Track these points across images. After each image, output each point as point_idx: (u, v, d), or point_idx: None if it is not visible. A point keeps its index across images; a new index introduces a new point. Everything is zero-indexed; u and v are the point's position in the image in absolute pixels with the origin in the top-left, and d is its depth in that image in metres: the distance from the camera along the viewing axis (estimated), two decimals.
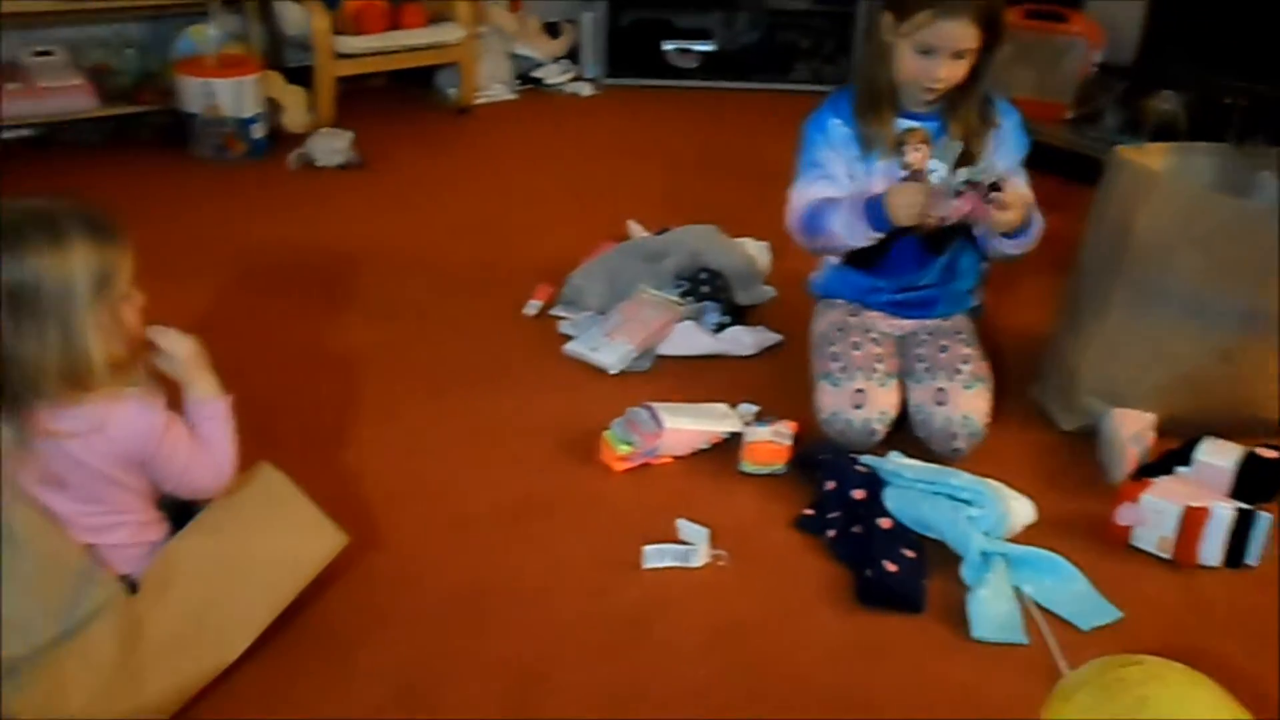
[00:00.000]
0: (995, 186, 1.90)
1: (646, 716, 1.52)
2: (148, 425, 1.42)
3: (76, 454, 1.37)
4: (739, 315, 2.50)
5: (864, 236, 2.01)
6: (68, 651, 1.32)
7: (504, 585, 1.73)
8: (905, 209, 1.94)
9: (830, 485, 1.93)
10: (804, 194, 2.09)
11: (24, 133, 3.31)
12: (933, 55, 1.96)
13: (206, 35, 3.32)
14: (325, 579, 1.61)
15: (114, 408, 1.38)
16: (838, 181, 2.08)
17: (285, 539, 1.56)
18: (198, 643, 1.44)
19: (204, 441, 1.49)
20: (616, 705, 1.53)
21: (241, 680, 1.49)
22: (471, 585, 1.73)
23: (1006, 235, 2.00)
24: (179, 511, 1.54)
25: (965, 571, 1.76)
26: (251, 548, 1.52)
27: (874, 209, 1.97)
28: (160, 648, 1.39)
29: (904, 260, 2.15)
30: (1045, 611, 1.72)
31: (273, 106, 3.44)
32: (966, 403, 2.03)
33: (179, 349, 1.49)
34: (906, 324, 2.22)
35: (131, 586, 1.42)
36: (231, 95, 3.25)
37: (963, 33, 1.93)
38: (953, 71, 1.98)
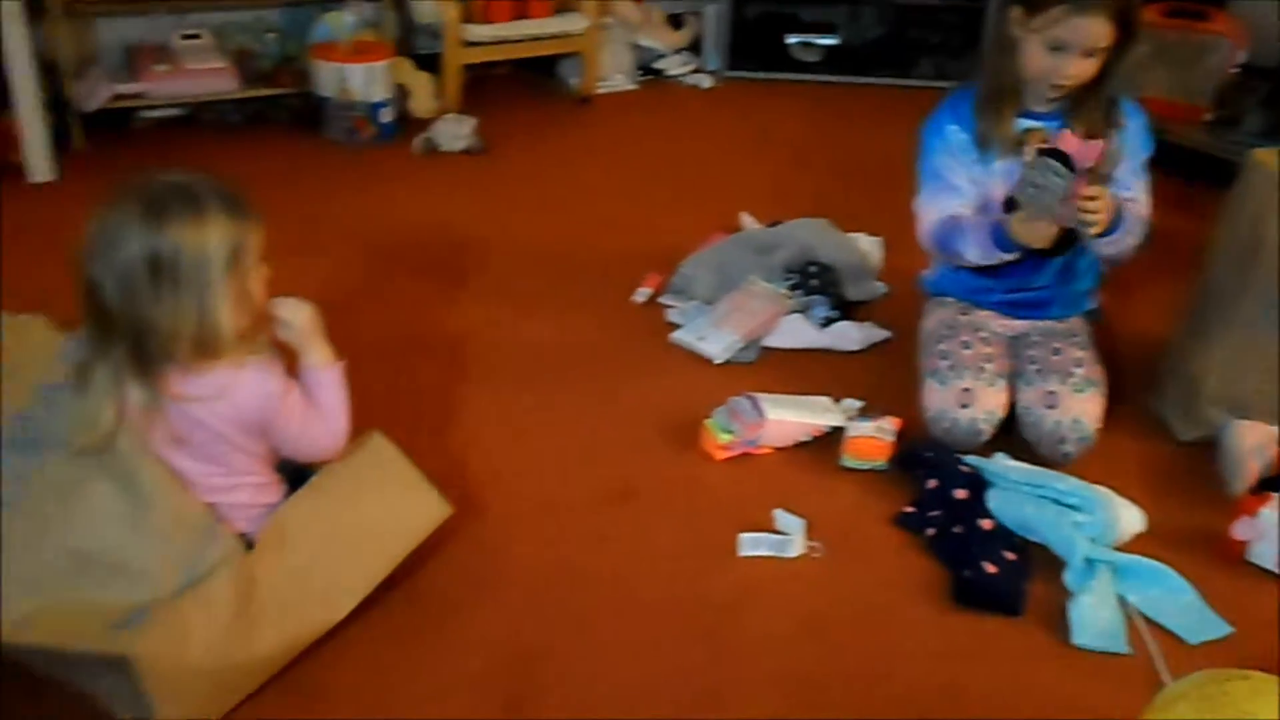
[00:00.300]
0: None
1: (736, 701, 1.53)
2: (267, 392, 1.49)
3: (200, 417, 1.45)
4: (848, 310, 2.49)
5: (999, 259, 2.02)
6: (190, 601, 1.39)
7: (602, 564, 1.77)
8: (1034, 240, 1.94)
9: (932, 484, 1.91)
10: (931, 209, 2.08)
11: (171, 112, 3.48)
12: (1063, 52, 1.91)
13: (342, 21, 3.43)
14: (430, 548, 1.67)
15: (237, 375, 1.45)
16: (961, 191, 2.06)
17: (393, 506, 1.62)
18: (307, 601, 1.51)
19: (319, 407, 1.56)
20: (707, 688, 1.55)
21: (346, 639, 1.56)
22: (571, 562, 1.77)
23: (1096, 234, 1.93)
24: (295, 476, 1.62)
25: (1069, 577, 1.72)
26: (361, 513, 1.58)
27: (1001, 237, 1.97)
28: (272, 603, 1.46)
29: (1019, 261, 2.10)
30: (1150, 623, 1.68)
31: (401, 92, 3.55)
32: (1077, 406, 1.98)
33: (297, 317, 1.55)
34: (1019, 324, 2.17)
35: (249, 544, 1.50)
36: (363, 80, 3.36)
37: (1097, 29, 1.88)
38: (1082, 69, 1.93)
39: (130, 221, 1.35)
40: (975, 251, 2.02)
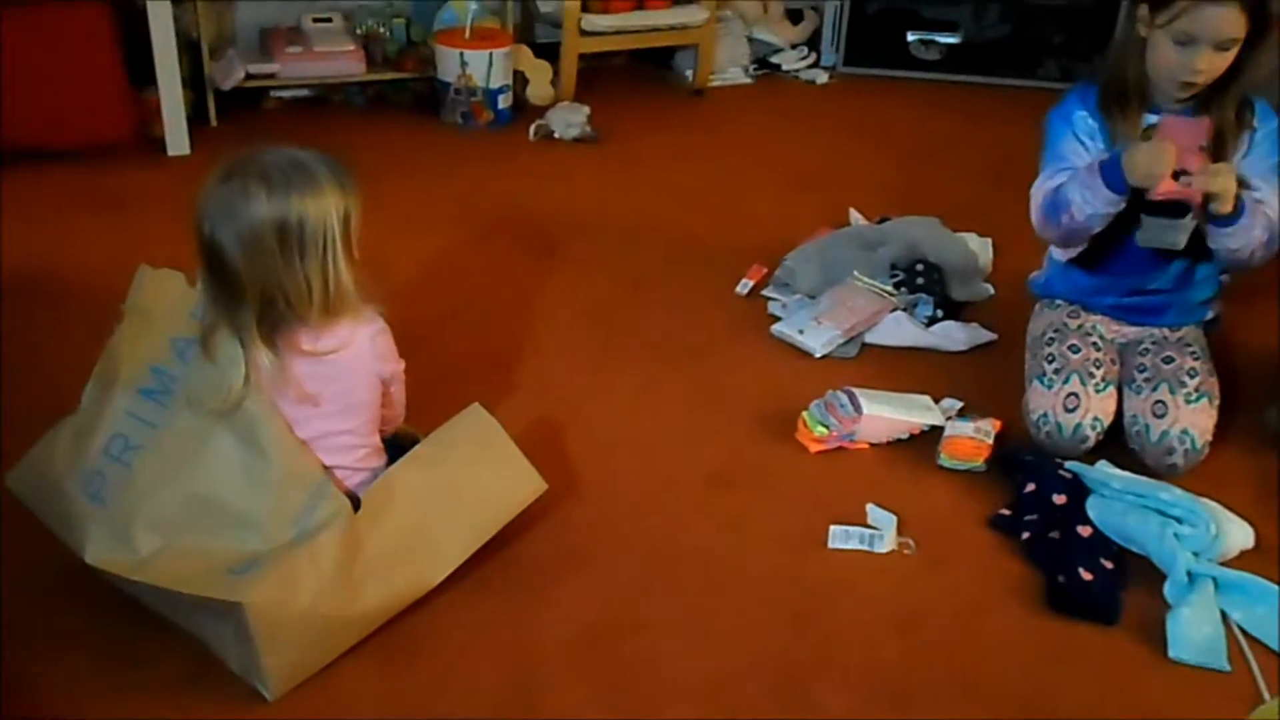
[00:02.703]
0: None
1: (821, 688, 1.54)
2: (388, 340, 1.61)
3: (336, 368, 1.55)
4: (953, 310, 2.46)
5: (1103, 202, 1.90)
6: (300, 555, 1.46)
7: (694, 546, 1.80)
8: (1144, 166, 1.84)
9: (1030, 487, 1.89)
10: (1046, 185, 2.02)
11: (300, 93, 3.61)
12: (1193, 46, 1.85)
13: (466, 9, 3.52)
14: (526, 520, 1.71)
15: (362, 328, 1.57)
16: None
17: (491, 478, 1.67)
18: (407, 563, 1.57)
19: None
20: (792, 673, 1.57)
21: (441, 603, 1.62)
22: (663, 543, 1.80)
23: (1218, 221, 1.87)
24: (392, 449, 1.69)
25: (1169, 590, 1.69)
26: (460, 483, 1.63)
27: (1111, 166, 1.88)
28: (375, 563, 1.53)
29: (1135, 262, 2.05)
30: (1253, 641, 1.63)
31: (520, 79, 3.62)
32: (1187, 417, 1.93)
33: None
34: (1131, 330, 2.12)
35: (355, 504, 1.56)
36: (483, 66, 3.43)
37: (1227, 20, 1.81)
38: (1213, 64, 1.86)
39: (254, 192, 1.44)
40: (1079, 192, 1.92)
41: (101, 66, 2.97)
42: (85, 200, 2.84)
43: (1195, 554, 1.72)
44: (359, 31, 3.60)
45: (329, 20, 3.57)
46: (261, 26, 3.59)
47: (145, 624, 1.55)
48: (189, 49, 3.26)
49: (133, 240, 2.58)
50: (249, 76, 3.39)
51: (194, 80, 3.29)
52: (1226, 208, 1.84)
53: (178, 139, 3.16)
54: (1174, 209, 1.87)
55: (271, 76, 3.44)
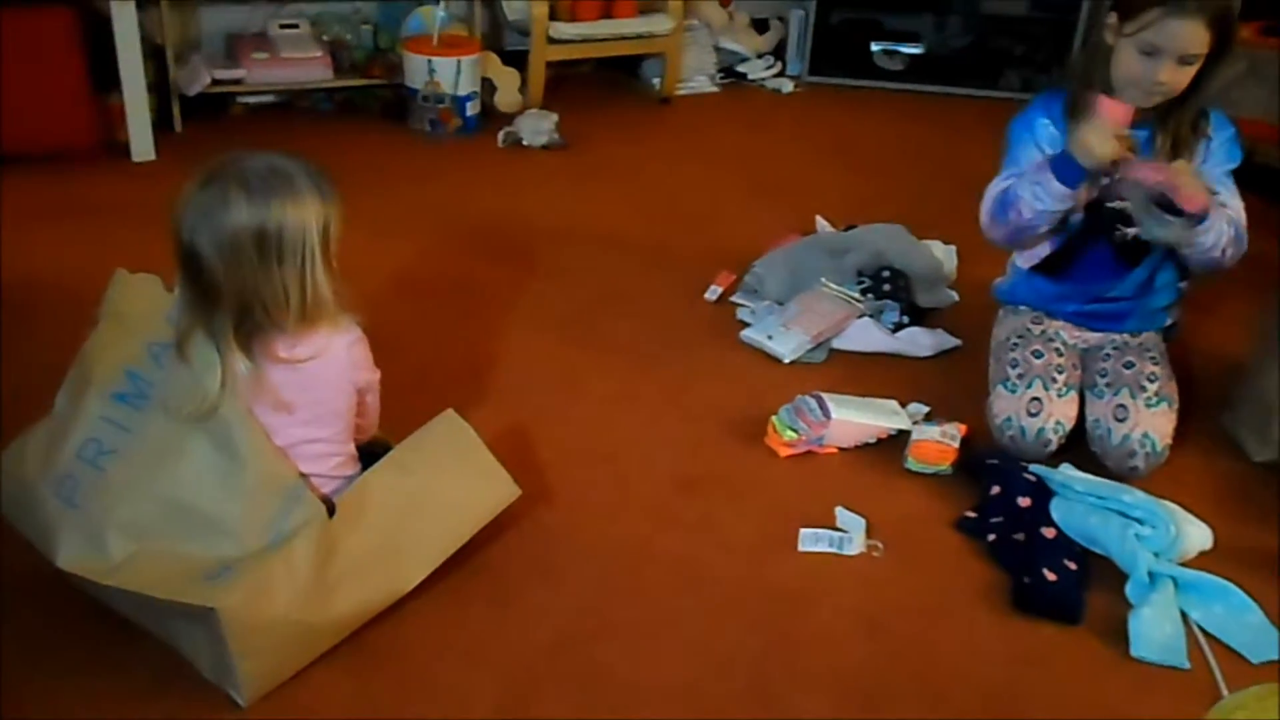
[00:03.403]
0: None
1: (791, 691, 1.56)
2: (365, 350, 1.61)
3: (312, 376, 1.54)
4: (919, 316, 2.50)
5: (1053, 197, 1.93)
6: (274, 560, 1.46)
7: (664, 551, 1.81)
8: (1094, 146, 1.87)
9: (995, 490, 1.92)
10: (998, 186, 2.06)
11: (266, 99, 3.60)
12: (1157, 57, 1.88)
13: (434, 16, 3.52)
14: (497, 526, 1.71)
15: (338, 337, 1.57)
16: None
17: (465, 485, 1.67)
18: (381, 568, 1.57)
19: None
20: (761, 678, 1.58)
21: (414, 609, 1.62)
22: (634, 547, 1.81)
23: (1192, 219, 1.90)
24: (364, 456, 1.69)
25: (1130, 590, 1.72)
26: (434, 489, 1.63)
27: (1060, 159, 1.92)
28: (349, 569, 1.52)
29: (1096, 270, 2.10)
30: (1212, 639, 1.67)
31: (487, 86, 3.63)
32: (1148, 421, 1.97)
33: None
34: (1093, 336, 2.17)
35: (330, 510, 1.56)
36: (451, 73, 3.44)
37: (1193, 35, 1.85)
38: (1175, 77, 1.90)
39: (234, 199, 1.43)
40: (1029, 189, 1.95)
41: (65, 71, 2.95)
42: (49, 206, 2.82)
43: (1156, 554, 1.76)
44: (326, 38, 3.60)
45: (296, 26, 3.57)
46: (227, 32, 3.58)
47: (116, 630, 1.54)
48: (154, 54, 3.24)
49: (98, 246, 2.56)
50: (215, 82, 3.38)
51: (159, 86, 3.27)
52: (1199, 207, 1.87)
53: (143, 145, 3.14)
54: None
55: (238, 82, 3.43)
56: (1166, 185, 1.87)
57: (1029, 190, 1.96)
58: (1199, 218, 1.89)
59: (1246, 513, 1.95)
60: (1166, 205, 1.90)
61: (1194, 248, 1.95)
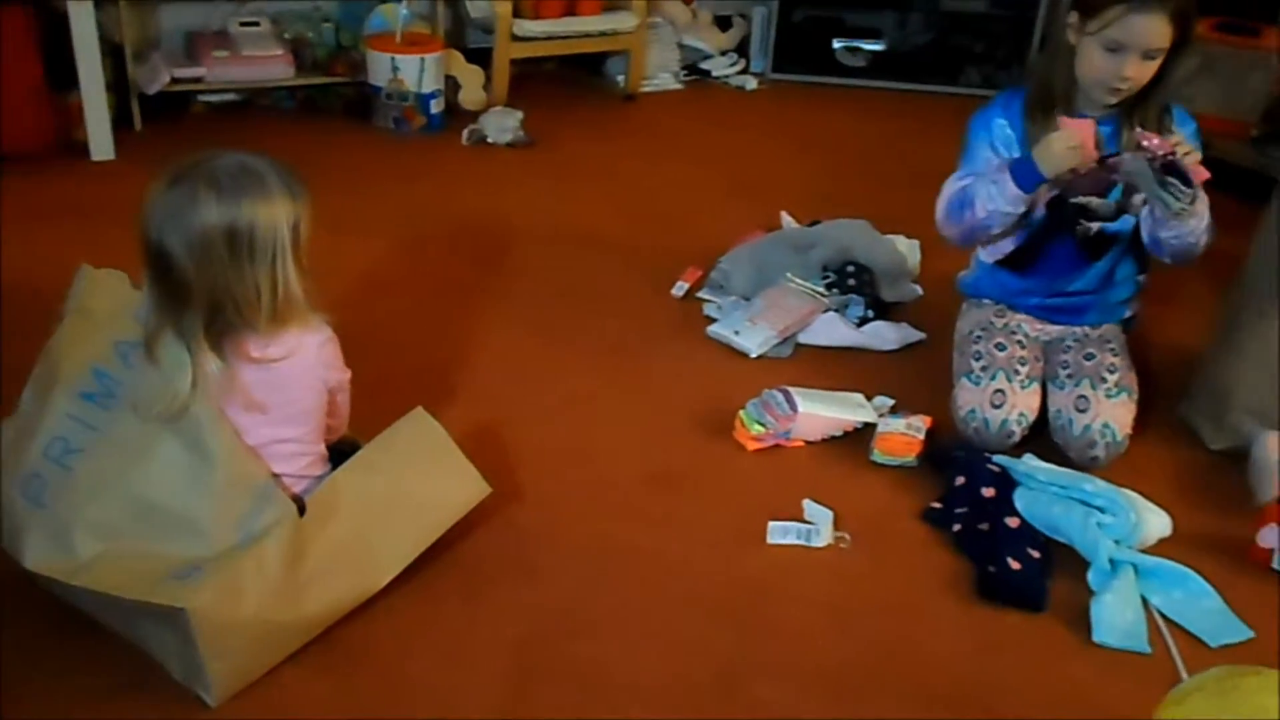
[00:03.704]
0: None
1: (760, 683, 1.58)
2: (335, 349, 1.60)
3: (283, 375, 1.54)
4: (883, 311, 2.52)
5: (1007, 199, 1.96)
6: (244, 560, 1.45)
7: (634, 546, 1.82)
8: (1059, 155, 1.90)
9: (960, 481, 1.94)
10: (955, 185, 2.09)
11: (227, 97, 3.57)
12: (1121, 53, 1.91)
13: (396, 13, 3.51)
14: (468, 524, 1.72)
15: (309, 336, 1.56)
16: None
17: (435, 482, 1.67)
18: (352, 567, 1.57)
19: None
20: (730, 669, 1.60)
21: (385, 607, 1.62)
22: (604, 543, 1.82)
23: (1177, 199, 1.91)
24: (333, 456, 1.68)
25: (1092, 577, 1.75)
26: (404, 487, 1.63)
27: (1019, 164, 1.95)
28: (320, 568, 1.52)
29: (1059, 264, 2.13)
30: (1172, 624, 1.70)
31: (451, 84, 3.62)
32: (1108, 411, 2.00)
33: None
34: (1054, 329, 2.20)
35: (301, 510, 1.55)
36: (415, 71, 3.43)
37: (1155, 29, 1.88)
38: (1140, 71, 1.93)
39: (205, 196, 1.43)
40: (985, 191, 1.98)
41: (22, 71, 2.91)
42: (6, 207, 2.78)
43: (1117, 542, 1.79)
44: (287, 36, 3.57)
45: (256, 24, 3.53)
46: (187, 30, 3.54)
47: (84, 632, 1.53)
48: (112, 53, 3.20)
49: (56, 247, 2.52)
50: (175, 81, 3.34)
51: (118, 84, 3.23)
52: (1203, 169, 1.88)
53: (102, 144, 3.10)
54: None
55: (198, 81, 3.39)
56: (1177, 155, 1.87)
57: (985, 190, 2.00)
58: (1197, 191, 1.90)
59: (1205, 500, 1.99)
60: (1175, 176, 1.89)
61: (1191, 228, 1.96)
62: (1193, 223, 1.95)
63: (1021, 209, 2.00)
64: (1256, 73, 3.46)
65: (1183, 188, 1.88)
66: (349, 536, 1.56)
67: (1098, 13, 1.90)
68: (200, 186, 1.43)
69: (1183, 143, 1.89)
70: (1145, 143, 1.88)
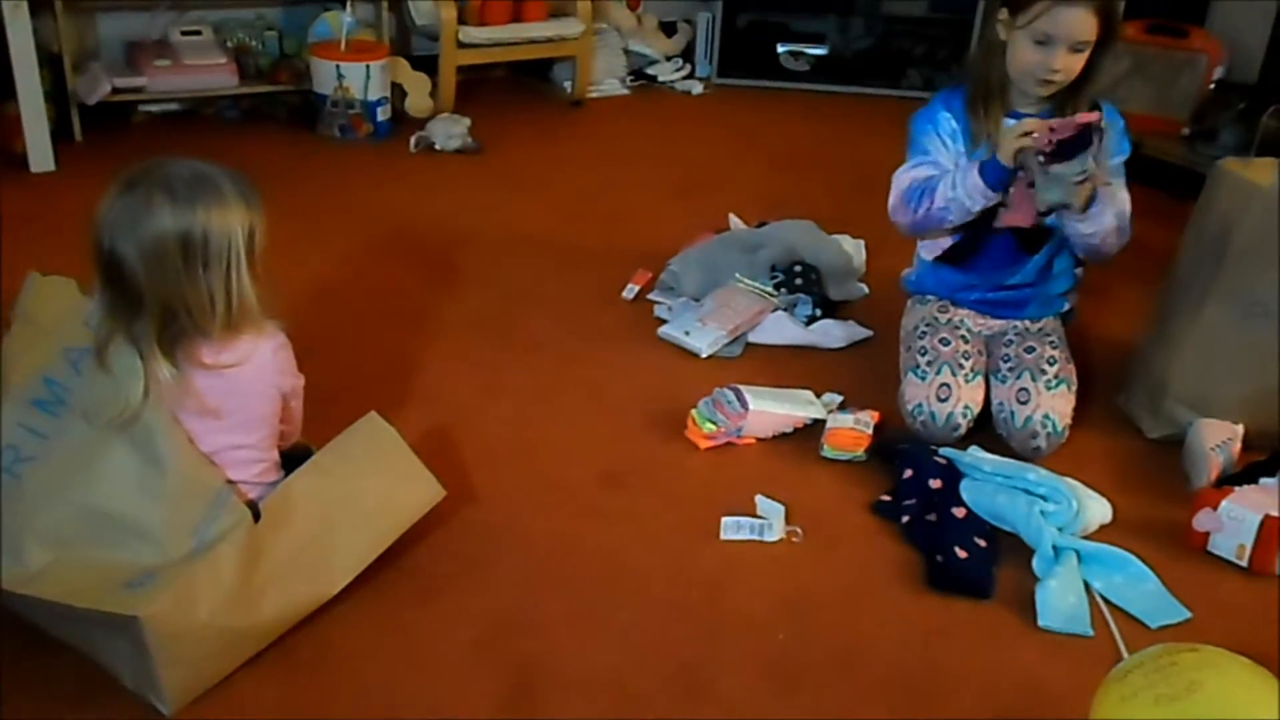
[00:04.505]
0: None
1: (715, 677, 1.60)
2: (289, 355, 1.60)
3: (237, 381, 1.53)
4: (830, 309, 2.56)
5: (968, 189, 2.02)
6: (198, 566, 1.45)
7: (588, 545, 1.83)
8: (1006, 142, 1.96)
9: (908, 474, 1.98)
10: (910, 173, 2.13)
11: (170, 107, 3.54)
12: (1050, 45, 1.97)
13: (341, 21, 3.50)
14: (423, 527, 1.72)
15: (263, 342, 1.56)
16: (943, 169, 2.11)
17: (389, 486, 1.67)
18: (307, 572, 1.56)
19: None
20: (688, 663, 1.61)
21: (341, 611, 1.61)
22: (558, 543, 1.83)
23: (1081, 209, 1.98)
24: (287, 462, 1.68)
25: (1036, 563, 1.80)
26: (359, 492, 1.63)
27: (988, 164, 2.00)
28: (275, 573, 1.52)
29: (998, 259, 2.18)
30: (1113, 607, 1.75)
31: (397, 91, 3.61)
32: (1048, 403, 2.05)
33: None
34: (996, 323, 2.25)
35: (255, 516, 1.55)
36: (360, 79, 3.42)
37: (1081, 22, 1.94)
38: (1069, 64, 1.98)
39: (158, 203, 1.42)
40: (948, 182, 2.04)
41: None
42: None
43: (1059, 529, 1.84)
44: (230, 44, 3.55)
45: (198, 33, 3.51)
46: (127, 39, 3.51)
47: (34, 643, 1.51)
48: (50, 62, 3.16)
49: None
50: (115, 90, 3.31)
51: (57, 95, 3.20)
52: (1085, 198, 1.96)
53: (41, 155, 3.06)
54: (1075, 146, 1.93)
55: (139, 90, 3.36)
56: (1056, 124, 1.93)
57: (948, 179, 2.05)
58: (1092, 135, 1.92)
59: (1143, 487, 2.05)
60: (1057, 156, 1.95)
61: (1096, 229, 2.04)
62: (1092, 226, 2.03)
63: (981, 202, 2.04)
64: (1185, 73, 3.57)
65: (1054, 169, 1.94)
66: (304, 541, 1.56)
67: (1026, 7, 1.97)
68: (155, 193, 1.42)
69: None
70: (1026, 128, 1.94)
